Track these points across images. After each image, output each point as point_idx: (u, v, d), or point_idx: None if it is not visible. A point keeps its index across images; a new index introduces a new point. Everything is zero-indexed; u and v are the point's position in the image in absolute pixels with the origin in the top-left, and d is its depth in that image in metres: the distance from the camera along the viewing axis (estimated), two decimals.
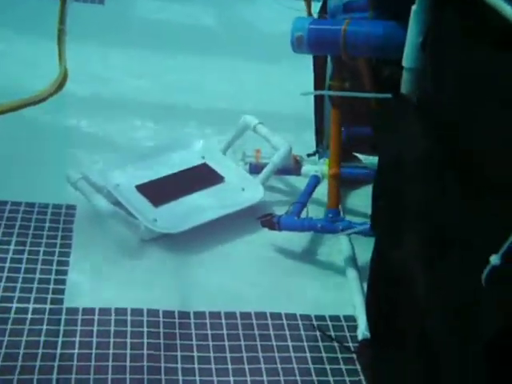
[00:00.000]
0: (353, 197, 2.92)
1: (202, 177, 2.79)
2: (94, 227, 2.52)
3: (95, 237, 2.48)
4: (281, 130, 2.98)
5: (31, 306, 2.14)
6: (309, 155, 2.91)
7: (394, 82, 1.88)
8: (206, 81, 3.71)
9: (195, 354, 2.06)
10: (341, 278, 2.45)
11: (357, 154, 2.95)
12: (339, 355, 2.14)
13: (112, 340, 2.06)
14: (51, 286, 2.23)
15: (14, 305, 2.13)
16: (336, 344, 2.17)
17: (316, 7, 2.60)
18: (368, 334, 2.12)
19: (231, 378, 2.00)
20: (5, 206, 2.57)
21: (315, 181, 2.69)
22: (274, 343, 2.15)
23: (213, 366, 2.03)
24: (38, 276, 2.26)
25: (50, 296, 2.19)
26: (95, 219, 2.53)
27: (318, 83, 2.74)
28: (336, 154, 2.50)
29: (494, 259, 1.14)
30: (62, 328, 2.07)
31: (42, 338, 2.03)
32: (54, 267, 2.31)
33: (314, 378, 2.04)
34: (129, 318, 2.14)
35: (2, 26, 3.88)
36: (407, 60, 1.72)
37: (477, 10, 1.34)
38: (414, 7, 1.69)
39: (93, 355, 1.99)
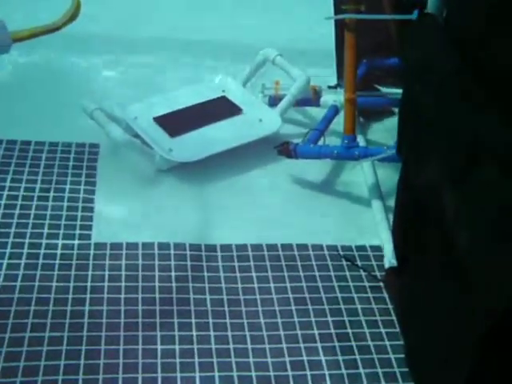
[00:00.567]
0: (376, 128, 2.88)
1: (220, 109, 2.78)
2: (117, 164, 2.54)
3: (119, 173, 2.50)
4: (302, 63, 2.94)
5: (60, 241, 2.17)
6: (330, 87, 2.87)
7: (416, 3, 1.83)
8: (224, 16, 3.65)
9: (223, 285, 2.08)
10: (365, 207, 2.44)
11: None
12: (366, 284, 2.14)
13: (140, 274, 2.08)
14: (78, 223, 2.25)
15: (44, 241, 2.16)
16: (363, 273, 2.17)
17: None
18: (395, 263, 2.12)
19: (259, 308, 2.02)
20: (28, 145, 2.58)
21: (334, 110, 2.66)
22: (302, 273, 2.16)
23: (241, 297, 2.04)
24: (64, 213, 2.29)
25: (77, 232, 2.21)
26: (118, 156, 2.55)
27: (339, 12, 2.68)
28: (351, 79, 2.45)
29: None
30: (91, 262, 2.10)
31: (73, 272, 2.06)
32: (80, 204, 2.33)
33: (342, 306, 2.06)
34: (156, 251, 2.16)
35: None
36: None
37: None
38: None
39: (122, 288, 2.02)
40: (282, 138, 2.66)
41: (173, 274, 2.09)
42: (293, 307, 2.04)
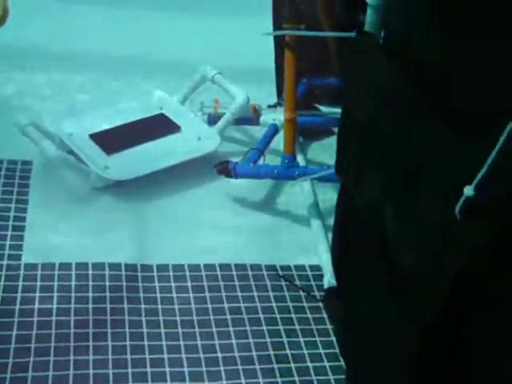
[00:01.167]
0: (315, 147, 2.88)
1: (158, 126, 2.74)
2: (51, 182, 2.46)
3: (52, 192, 2.42)
4: (241, 81, 2.92)
5: None
6: (269, 106, 2.86)
7: (356, 24, 1.83)
8: (165, 34, 3.62)
9: (159, 306, 2.02)
10: (305, 226, 2.42)
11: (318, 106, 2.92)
12: (305, 304, 2.12)
13: (73, 295, 2.01)
14: (8, 242, 2.17)
15: None
16: (302, 293, 2.15)
17: None
18: (334, 282, 2.10)
19: (196, 330, 1.97)
20: None
21: (274, 129, 2.65)
22: (240, 294, 2.12)
23: (177, 318, 1.99)
24: None
25: (7, 252, 2.13)
26: (52, 174, 2.47)
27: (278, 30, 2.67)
28: (291, 99, 2.43)
29: (468, 190, 1.11)
30: (20, 284, 2.02)
31: (0, 295, 1.97)
32: (11, 223, 2.25)
33: (281, 327, 2.03)
34: (90, 272, 2.09)
35: None
36: None
37: None
38: None
39: (53, 310, 1.95)
40: (221, 156, 2.63)
41: (107, 294, 2.03)
42: (231, 328, 2.00)
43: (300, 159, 2.61)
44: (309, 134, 2.90)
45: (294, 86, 2.43)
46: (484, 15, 1.24)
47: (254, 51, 3.11)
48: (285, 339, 1.98)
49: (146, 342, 1.90)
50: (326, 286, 2.13)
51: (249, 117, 2.77)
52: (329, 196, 2.45)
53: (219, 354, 1.90)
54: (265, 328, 2.01)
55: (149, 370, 1.82)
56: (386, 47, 1.66)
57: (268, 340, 1.97)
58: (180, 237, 2.30)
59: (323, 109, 2.93)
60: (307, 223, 2.43)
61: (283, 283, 2.18)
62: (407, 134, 1.37)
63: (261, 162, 2.48)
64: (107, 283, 2.06)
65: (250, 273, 2.21)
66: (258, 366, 1.88)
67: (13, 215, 2.28)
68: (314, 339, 2.00)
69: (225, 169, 2.42)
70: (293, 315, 2.07)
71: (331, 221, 2.01)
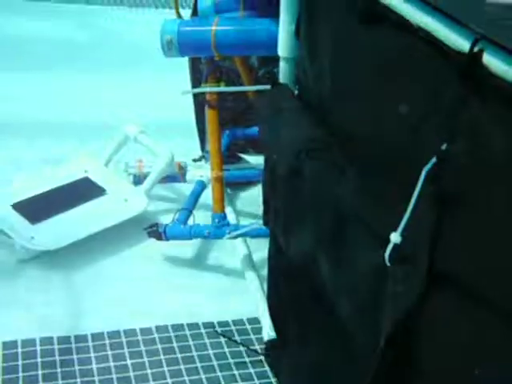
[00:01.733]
0: (244, 198, 2.88)
1: (82, 191, 2.69)
2: None
3: None
4: (164, 138, 2.92)
5: None
6: (194, 160, 2.86)
7: (273, 77, 1.86)
8: (81, 96, 3.59)
9: (96, 377, 1.94)
10: (239, 280, 2.40)
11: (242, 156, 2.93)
12: (247, 359, 2.08)
13: (2, 377, 1.91)
14: None
15: None
16: (242, 348, 2.11)
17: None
18: (273, 334, 2.08)
19: None
20: None
21: (201, 186, 2.63)
22: (179, 355, 2.07)
23: None
24: None
25: None
26: None
27: (196, 86, 2.69)
28: (216, 156, 2.45)
29: (395, 237, 1.11)
30: None
31: None
32: None
33: None
34: (19, 350, 2.00)
35: None
36: (282, 49, 1.69)
37: None
38: None
39: None
40: (150, 215, 2.60)
41: (39, 372, 1.93)
42: None
43: (229, 211, 2.60)
44: (236, 185, 2.90)
45: (218, 143, 2.45)
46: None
47: (176, 106, 3.12)
48: None
49: None
50: (265, 339, 2.10)
51: (175, 174, 2.76)
52: (262, 246, 2.44)
53: None
54: None
55: None
56: (301, 98, 1.69)
57: None
58: (113, 302, 2.24)
59: (250, 158, 2.94)
60: (242, 276, 2.41)
61: (223, 340, 2.14)
62: (330, 185, 1.39)
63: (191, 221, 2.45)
64: (39, 359, 1.98)
65: (187, 332, 2.16)
66: None
67: None
68: None
69: (155, 232, 2.39)
70: (235, 372, 2.03)
71: (265, 272, 2.01)
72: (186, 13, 2.58)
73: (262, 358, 2.08)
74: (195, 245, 2.54)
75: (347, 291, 1.39)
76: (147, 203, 2.62)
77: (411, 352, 1.16)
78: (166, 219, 2.53)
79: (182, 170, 2.75)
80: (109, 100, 3.54)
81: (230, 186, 2.86)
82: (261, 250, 2.41)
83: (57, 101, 3.50)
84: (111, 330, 2.12)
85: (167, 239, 2.39)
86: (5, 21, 4.58)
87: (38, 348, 2.01)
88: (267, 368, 2.05)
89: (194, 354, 2.08)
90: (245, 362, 2.07)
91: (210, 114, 2.42)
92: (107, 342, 2.08)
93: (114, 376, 1.96)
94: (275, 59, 1.80)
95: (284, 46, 1.68)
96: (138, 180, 2.75)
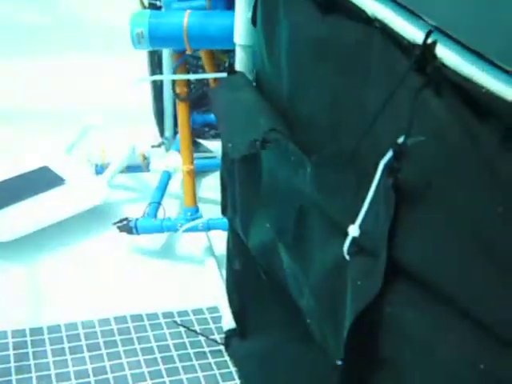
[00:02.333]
0: (205, 185, 2.85)
1: (41, 180, 2.63)
2: None
3: None
4: (125, 125, 2.88)
5: None
6: (153, 146, 2.82)
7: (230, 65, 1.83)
8: (42, 82, 3.51)
9: (52, 371, 1.91)
10: (201, 270, 2.37)
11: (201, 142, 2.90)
12: (207, 349, 2.07)
13: None
14: None
15: None
16: (202, 338, 2.09)
17: None
18: (233, 324, 2.06)
19: None
20: None
21: (167, 177, 2.61)
22: (138, 346, 2.05)
23: (73, 382, 1.89)
24: None
25: None
26: None
27: (154, 71, 2.65)
28: (187, 151, 2.43)
29: (353, 230, 1.10)
30: None
31: None
32: None
33: (183, 376, 1.96)
34: None
35: None
36: (238, 37, 1.66)
37: None
38: None
39: None
40: (114, 206, 2.57)
41: None
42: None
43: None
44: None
45: (189, 137, 2.42)
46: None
47: (134, 92, 3.07)
48: None
49: None
50: (225, 328, 2.09)
51: (139, 164, 2.73)
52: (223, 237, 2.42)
53: None
54: (167, 380, 1.94)
55: None
56: (258, 86, 1.67)
57: None
58: (69, 294, 2.21)
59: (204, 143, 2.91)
60: (202, 266, 2.39)
61: (182, 330, 2.12)
62: (288, 177, 1.37)
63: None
64: None
65: (146, 323, 2.14)
66: None
67: None
68: None
69: (125, 226, 2.35)
70: (195, 362, 2.02)
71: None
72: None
73: (222, 347, 2.06)
74: (155, 236, 2.50)
75: (307, 283, 1.39)
76: (108, 193, 2.58)
77: (371, 343, 1.16)
78: (129, 209, 2.50)
79: (146, 159, 2.72)
80: (70, 86, 3.46)
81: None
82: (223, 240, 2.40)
83: (15, 88, 3.41)
84: (68, 322, 2.09)
85: (138, 233, 2.36)
86: None
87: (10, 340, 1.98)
88: (227, 358, 2.04)
89: (153, 344, 2.06)
90: (204, 352, 2.05)
91: (180, 107, 2.41)
92: (64, 334, 2.05)
93: (71, 369, 1.93)
94: None
95: (240, 33, 1.65)
96: (101, 169, 2.71)
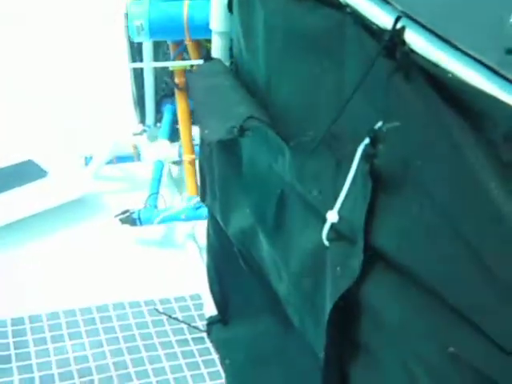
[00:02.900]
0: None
1: (24, 172, 2.63)
2: None
3: None
4: (106, 112, 2.87)
5: None
6: (135, 134, 2.81)
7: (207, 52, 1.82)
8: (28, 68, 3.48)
9: (34, 361, 1.91)
10: (182, 258, 2.37)
11: None
12: (189, 336, 2.07)
13: None
14: None
15: None
16: (184, 325, 2.10)
17: None
18: (215, 310, 2.07)
19: (76, 381, 1.87)
20: None
21: (160, 166, 2.60)
22: (120, 334, 2.05)
23: (55, 371, 1.89)
24: None
25: None
26: None
27: (134, 57, 2.63)
28: (187, 141, 2.45)
29: (332, 216, 1.10)
30: None
31: None
32: None
33: (165, 363, 1.96)
34: None
35: None
36: (215, 23, 1.65)
37: None
38: None
39: None
40: (100, 197, 2.57)
41: None
42: (113, 373, 1.91)
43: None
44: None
45: (189, 127, 2.44)
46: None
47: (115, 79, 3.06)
48: (170, 376, 1.93)
49: None
50: (207, 315, 2.09)
51: (130, 155, 2.73)
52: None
53: None
54: (149, 367, 1.95)
55: None
56: (235, 72, 1.66)
57: (154, 379, 1.91)
58: (51, 284, 2.20)
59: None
60: (184, 254, 2.38)
61: (164, 317, 2.12)
62: (267, 163, 1.37)
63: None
64: None
65: (128, 311, 2.14)
66: None
67: None
68: (200, 372, 1.95)
69: (128, 218, 2.35)
70: (177, 349, 2.02)
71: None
72: None
73: (204, 334, 2.07)
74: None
75: (287, 269, 1.39)
76: (92, 185, 2.59)
77: (350, 328, 1.17)
78: (124, 199, 2.50)
79: (136, 149, 2.72)
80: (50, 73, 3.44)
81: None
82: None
83: None
84: (49, 312, 2.08)
85: (141, 224, 2.36)
86: None
87: None
88: (209, 345, 2.04)
89: (135, 332, 2.06)
90: (186, 340, 2.05)
91: (179, 97, 2.41)
92: (45, 323, 2.05)
93: (53, 358, 1.93)
94: None
95: (216, 19, 1.64)
96: (90, 161, 2.70)
